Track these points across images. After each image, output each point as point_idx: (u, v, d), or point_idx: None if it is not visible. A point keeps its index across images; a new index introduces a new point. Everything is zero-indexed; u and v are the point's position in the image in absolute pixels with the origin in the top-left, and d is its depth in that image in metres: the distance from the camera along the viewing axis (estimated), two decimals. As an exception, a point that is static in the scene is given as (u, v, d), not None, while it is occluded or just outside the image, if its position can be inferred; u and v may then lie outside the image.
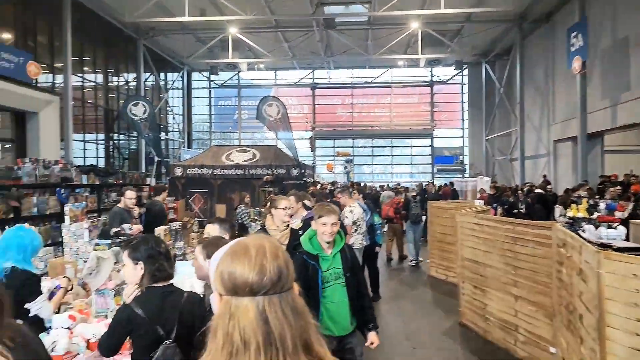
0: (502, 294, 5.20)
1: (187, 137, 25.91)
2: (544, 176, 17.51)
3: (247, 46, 21.61)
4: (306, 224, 4.05)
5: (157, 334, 2.14)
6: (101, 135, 18.45)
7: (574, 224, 3.93)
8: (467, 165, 26.35)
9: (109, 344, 2.23)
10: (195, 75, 27.42)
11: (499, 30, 19.74)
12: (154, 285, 2.28)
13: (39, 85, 14.16)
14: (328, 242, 3.04)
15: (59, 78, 15.53)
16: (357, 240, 6.24)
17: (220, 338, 0.99)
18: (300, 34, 20.21)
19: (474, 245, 5.72)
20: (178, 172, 11.55)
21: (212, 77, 26.66)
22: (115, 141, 19.29)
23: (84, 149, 17.30)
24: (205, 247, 2.44)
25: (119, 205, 5.41)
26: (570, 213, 4.18)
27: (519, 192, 12.95)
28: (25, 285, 2.75)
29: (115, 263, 3.61)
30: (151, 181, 17.96)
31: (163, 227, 5.36)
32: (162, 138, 23.76)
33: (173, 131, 25.14)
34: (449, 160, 26.86)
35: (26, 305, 2.71)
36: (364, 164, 28.43)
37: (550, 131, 18.17)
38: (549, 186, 15.74)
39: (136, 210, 5.49)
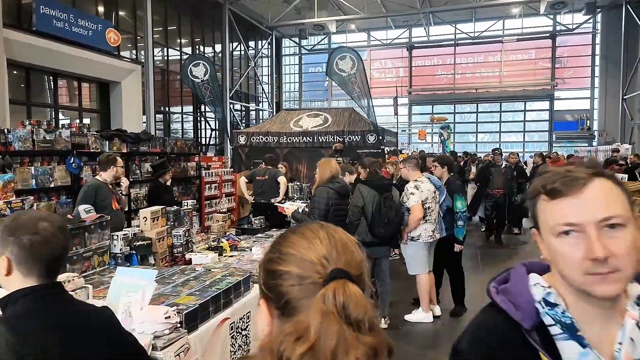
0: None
1: (275, 106, 25.11)
2: None
3: (336, 4, 19.88)
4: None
5: None
6: (189, 108, 18.21)
7: None
8: (596, 131, 21.98)
9: None
10: (284, 42, 26.37)
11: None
12: None
13: (122, 55, 13.99)
14: None
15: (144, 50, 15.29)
16: (426, 232, 4.34)
17: None
18: (394, -15, 17.92)
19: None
20: (242, 140, 10.44)
21: (302, 43, 25.36)
22: (202, 112, 18.97)
23: (169, 121, 17.15)
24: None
25: (97, 177, 4.17)
26: None
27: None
28: None
29: None
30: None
31: (154, 208, 4.00)
32: (251, 109, 23.28)
33: (263, 101, 24.53)
34: (572, 126, 22.63)
35: None
36: (468, 132, 25.27)
37: None
38: None
39: (125, 184, 4.23)
